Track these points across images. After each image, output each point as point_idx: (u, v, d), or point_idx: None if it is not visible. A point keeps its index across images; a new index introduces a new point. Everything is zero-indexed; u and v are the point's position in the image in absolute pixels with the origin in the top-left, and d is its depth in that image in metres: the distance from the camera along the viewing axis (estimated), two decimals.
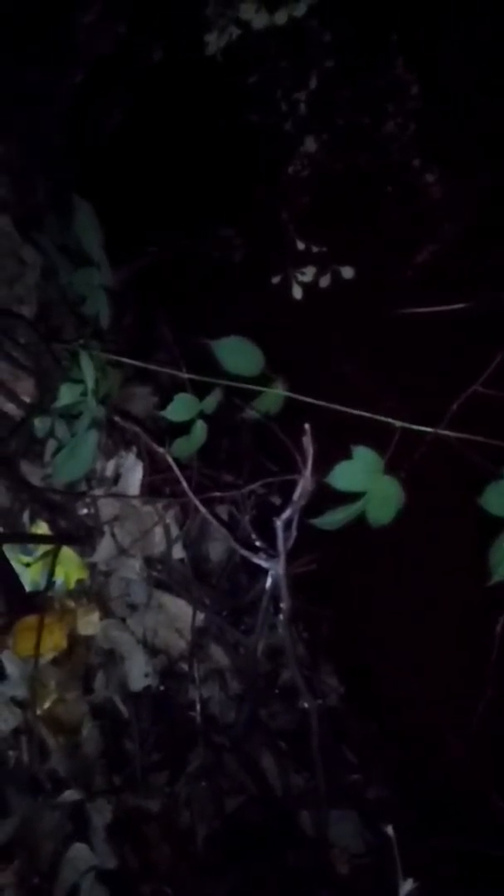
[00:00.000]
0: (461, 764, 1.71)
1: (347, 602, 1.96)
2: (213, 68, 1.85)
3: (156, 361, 1.84)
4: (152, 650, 1.62)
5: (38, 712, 1.46)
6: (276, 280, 1.92)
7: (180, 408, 1.44)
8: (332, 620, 1.92)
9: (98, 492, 1.64)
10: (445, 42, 2.32)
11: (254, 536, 1.61)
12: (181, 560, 1.67)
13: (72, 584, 1.62)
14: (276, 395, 1.43)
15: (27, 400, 1.60)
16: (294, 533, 1.41)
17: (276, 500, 1.78)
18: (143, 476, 1.64)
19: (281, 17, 1.59)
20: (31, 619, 1.50)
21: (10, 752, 1.43)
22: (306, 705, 1.42)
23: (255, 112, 2.19)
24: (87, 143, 2.20)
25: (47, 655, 1.52)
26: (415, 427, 1.33)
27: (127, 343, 2.05)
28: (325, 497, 1.32)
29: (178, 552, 1.67)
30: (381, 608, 1.93)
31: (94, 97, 2.14)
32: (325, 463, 1.33)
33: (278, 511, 1.38)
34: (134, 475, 1.63)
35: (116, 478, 1.66)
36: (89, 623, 1.57)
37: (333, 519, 1.34)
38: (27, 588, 1.61)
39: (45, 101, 2.03)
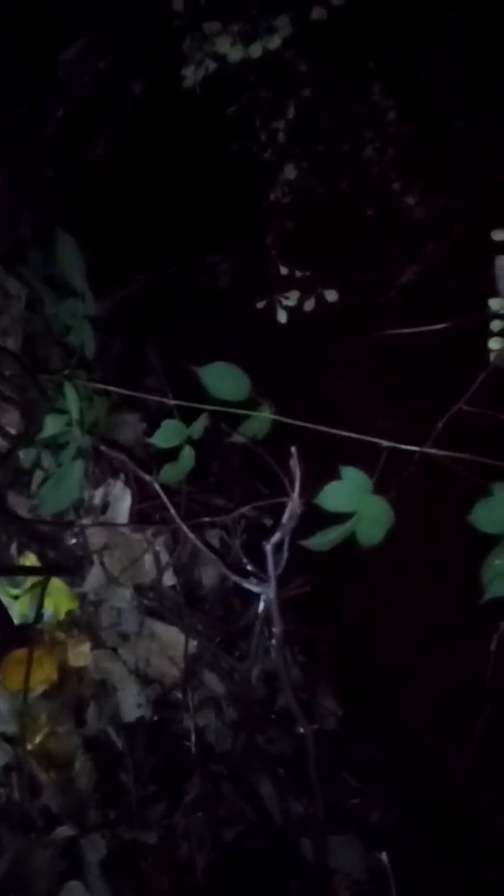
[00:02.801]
0: (463, 785, 1.69)
1: (343, 623, 1.95)
2: (193, 100, 1.88)
3: (144, 387, 1.85)
4: (145, 680, 1.60)
5: (29, 747, 1.44)
6: (260, 305, 1.94)
7: (168, 434, 1.44)
8: (329, 642, 1.91)
9: (86, 521, 1.63)
10: (423, 69, 2.38)
11: (245, 561, 1.61)
12: (172, 587, 1.67)
13: (61, 616, 1.60)
14: (263, 418, 1.44)
15: (13, 431, 1.61)
16: (285, 555, 1.41)
17: (268, 522, 1.78)
18: (132, 504, 1.64)
19: (256, 51, 1.63)
20: (21, 653, 1.49)
21: (1, 790, 1.40)
22: (303, 731, 1.41)
23: (236, 141, 2.24)
24: (72, 174, 2.23)
25: (38, 689, 1.50)
26: (402, 446, 1.34)
27: (115, 370, 2.07)
28: (319, 518, 1.32)
29: (168, 579, 1.67)
30: (377, 628, 1.92)
31: (78, 130, 2.17)
32: (315, 484, 1.33)
33: (270, 533, 1.38)
34: (122, 503, 1.63)
35: (105, 506, 1.66)
36: (80, 654, 1.55)
37: (324, 540, 1.34)
38: (16, 621, 1.60)
39: (29, 135, 2.07)
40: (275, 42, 1.64)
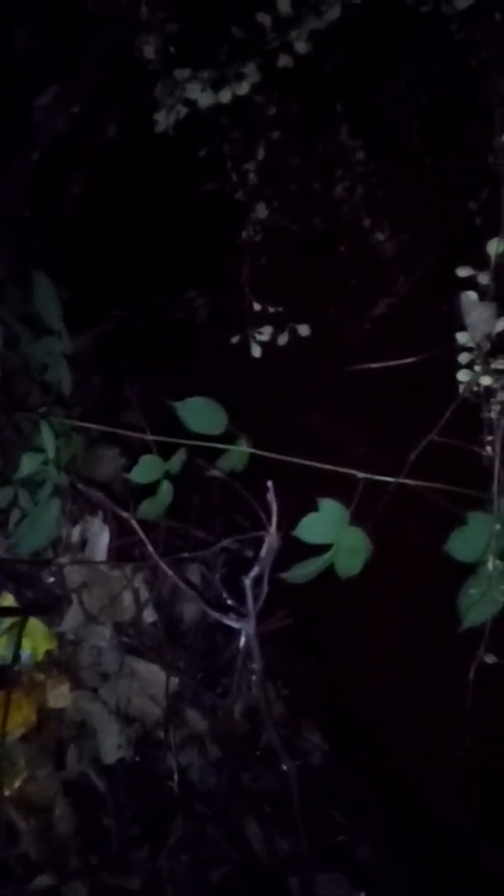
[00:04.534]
0: (449, 817, 1.68)
1: (325, 655, 1.95)
2: (166, 142, 1.93)
3: (123, 422, 1.85)
4: (126, 719, 1.58)
5: (7, 793, 1.40)
6: (235, 340, 1.97)
7: (146, 469, 1.45)
8: (312, 675, 1.90)
9: (64, 559, 1.62)
10: (386, 110, 2.46)
11: (225, 595, 1.60)
12: (153, 624, 1.66)
13: (40, 656, 1.58)
14: (240, 452, 1.45)
15: None
16: (265, 588, 1.41)
17: (249, 553, 1.78)
18: (110, 540, 1.63)
19: (225, 96, 1.68)
20: None
21: None
22: (285, 768, 1.39)
23: (209, 181, 2.29)
24: (49, 214, 2.26)
25: (16, 732, 1.47)
26: (377, 477, 1.36)
27: (94, 404, 2.07)
28: (300, 550, 1.33)
29: (149, 616, 1.66)
30: (359, 659, 1.92)
31: (53, 172, 2.21)
32: (294, 515, 1.34)
33: (251, 565, 1.38)
34: (100, 540, 1.62)
35: (83, 543, 1.65)
36: (59, 695, 1.53)
37: (303, 572, 1.35)
38: None
39: (5, 177, 2.09)
40: (243, 88, 1.68)
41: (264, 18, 1.66)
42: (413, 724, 1.80)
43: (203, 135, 2.13)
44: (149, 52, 1.79)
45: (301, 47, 1.68)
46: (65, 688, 1.54)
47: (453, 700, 1.43)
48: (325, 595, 1.41)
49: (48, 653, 1.60)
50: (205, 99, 1.69)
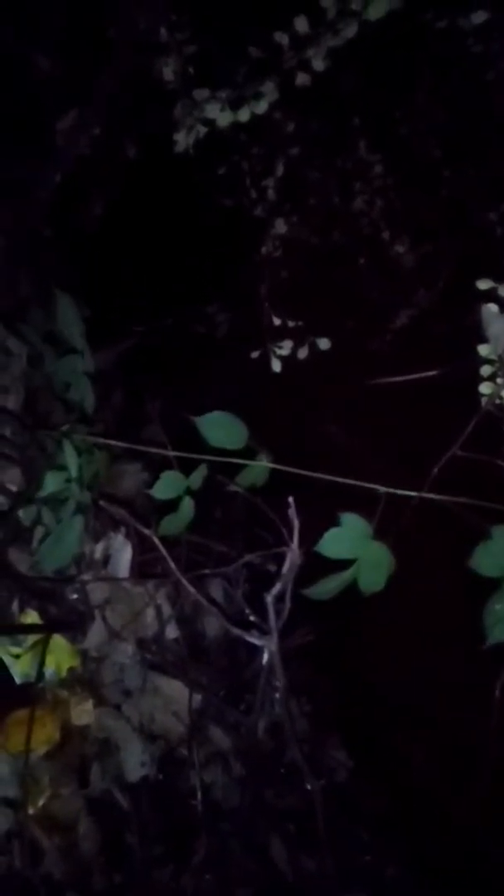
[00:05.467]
0: (474, 834, 1.65)
1: (349, 671, 1.93)
2: (186, 161, 1.96)
3: (145, 437, 1.86)
4: (150, 736, 1.57)
5: (31, 811, 1.40)
6: (255, 355, 1.98)
7: (167, 485, 1.45)
8: (336, 691, 1.88)
9: (87, 576, 1.63)
10: (404, 124, 2.47)
11: (248, 611, 1.60)
12: (175, 640, 1.65)
13: (63, 673, 1.58)
14: (261, 467, 1.45)
15: (13, 489, 1.62)
16: (288, 605, 1.41)
17: (272, 568, 1.77)
18: (133, 556, 1.64)
19: (244, 115, 1.70)
20: (22, 713, 1.46)
21: (2, 858, 1.36)
22: (309, 787, 1.38)
23: (228, 198, 2.31)
24: (71, 234, 2.30)
25: (39, 750, 1.47)
26: (399, 492, 1.35)
27: (116, 421, 2.09)
28: (323, 565, 1.32)
29: (171, 632, 1.66)
30: (383, 676, 1.90)
31: (75, 192, 2.25)
32: (315, 530, 1.34)
33: (273, 580, 1.37)
34: (123, 556, 1.62)
35: (106, 560, 1.66)
36: (83, 712, 1.53)
37: (325, 588, 1.34)
38: (17, 680, 1.58)
39: (28, 198, 2.13)
40: (262, 106, 1.71)
41: (282, 38, 1.68)
42: (438, 741, 1.78)
43: (222, 153, 2.16)
44: (168, 73, 1.82)
45: (318, 65, 1.70)
46: (88, 705, 1.54)
47: (478, 716, 1.41)
48: (349, 611, 1.40)
49: (72, 670, 1.60)
50: (224, 118, 1.71)
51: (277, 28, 1.68)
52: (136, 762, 1.52)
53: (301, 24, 1.65)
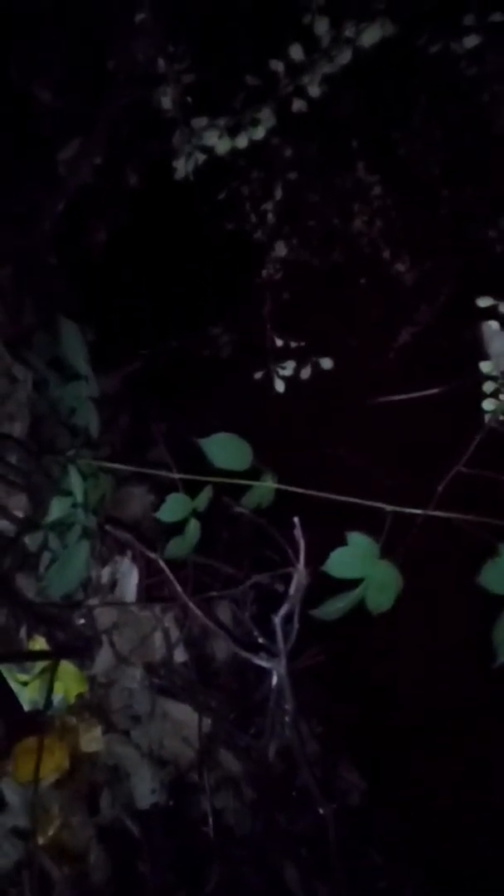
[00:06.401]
0: (493, 858, 1.62)
1: (360, 692, 1.91)
2: (186, 187, 1.99)
3: (151, 459, 1.87)
4: (159, 762, 1.56)
5: (41, 841, 1.38)
6: (258, 376, 1.99)
7: (173, 508, 1.45)
8: (347, 712, 1.86)
9: (94, 601, 1.62)
10: (404, 144, 2.50)
11: (256, 633, 1.59)
12: (184, 663, 1.64)
13: (72, 699, 1.57)
14: (266, 488, 1.45)
15: (20, 515, 1.62)
16: (296, 626, 1.40)
17: (280, 588, 1.76)
18: (140, 580, 1.63)
19: (242, 141, 1.73)
20: (31, 741, 1.44)
21: (11, 889, 1.34)
22: (322, 811, 1.36)
23: (229, 222, 2.34)
24: (74, 261, 2.33)
25: (49, 778, 1.46)
26: (406, 510, 1.35)
27: (122, 443, 2.10)
28: (331, 584, 1.31)
29: (180, 655, 1.64)
30: (394, 696, 1.88)
31: (78, 220, 2.29)
32: (322, 550, 1.33)
33: (282, 600, 1.37)
34: (130, 580, 1.62)
35: (113, 584, 1.65)
36: (92, 739, 1.51)
37: (333, 608, 1.33)
38: (26, 708, 1.57)
39: (32, 227, 2.17)
40: (259, 133, 1.74)
41: (277, 65, 1.72)
42: (452, 761, 1.75)
43: (222, 178, 2.19)
44: (166, 102, 1.86)
45: (314, 91, 1.73)
46: (97, 731, 1.53)
47: (492, 735, 1.40)
48: (358, 631, 1.39)
49: (80, 696, 1.59)
50: (222, 145, 1.74)
51: (273, 56, 1.72)
52: (146, 789, 1.51)
53: (296, 52, 1.68)
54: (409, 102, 2.31)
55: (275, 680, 1.45)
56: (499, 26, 1.43)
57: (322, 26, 1.66)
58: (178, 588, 1.38)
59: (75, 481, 1.42)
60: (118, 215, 2.39)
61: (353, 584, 1.29)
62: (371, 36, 1.64)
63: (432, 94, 2.26)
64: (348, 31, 1.65)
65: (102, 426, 1.65)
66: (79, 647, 1.61)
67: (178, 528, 1.46)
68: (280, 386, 1.95)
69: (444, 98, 2.26)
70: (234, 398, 2.26)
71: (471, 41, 1.48)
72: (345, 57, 1.68)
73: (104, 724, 1.55)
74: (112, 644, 1.60)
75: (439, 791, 1.73)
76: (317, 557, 1.31)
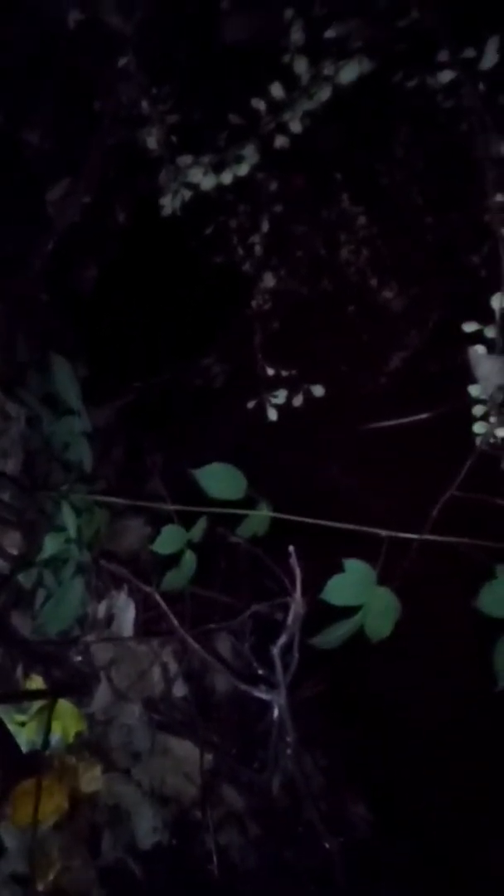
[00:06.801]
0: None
1: (363, 721, 1.89)
2: (174, 223, 2.02)
3: (146, 492, 1.87)
4: (161, 800, 1.53)
5: (42, 887, 1.35)
6: (251, 405, 2.01)
7: (168, 540, 1.46)
8: (351, 743, 1.84)
9: (91, 637, 1.61)
10: (387, 175, 2.56)
11: (255, 665, 1.57)
12: (183, 698, 1.62)
13: (70, 739, 1.55)
14: (261, 516, 1.45)
15: (14, 552, 1.62)
16: (296, 656, 1.39)
17: (279, 617, 1.75)
18: (137, 614, 1.62)
19: (227, 178, 1.77)
20: (29, 783, 1.42)
21: None
22: (328, 846, 1.34)
23: (217, 256, 2.37)
24: (66, 297, 2.36)
25: (48, 820, 1.43)
26: (401, 535, 1.35)
27: (117, 476, 2.10)
28: (330, 612, 1.30)
29: (179, 689, 1.63)
30: (397, 724, 1.86)
31: (68, 258, 2.32)
32: (320, 577, 1.33)
33: (281, 629, 1.36)
34: (127, 615, 1.61)
35: (109, 619, 1.64)
36: (92, 779, 1.48)
37: (332, 637, 1.32)
38: (24, 749, 1.54)
39: (22, 267, 2.20)
40: (243, 169, 1.78)
41: (258, 104, 1.76)
42: (459, 789, 1.72)
43: (208, 214, 2.23)
44: (152, 142, 1.90)
45: (296, 127, 1.78)
46: (97, 770, 1.50)
47: (499, 762, 1.38)
48: (358, 658, 1.38)
49: (78, 734, 1.57)
50: (207, 182, 1.78)
51: (254, 95, 1.76)
52: (148, 828, 1.48)
53: (276, 90, 1.73)
54: (390, 134, 2.36)
55: (276, 712, 1.43)
56: (471, 62, 1.48)
57: (301, 65, 1.71)
58: (175, 622, 1.37)
59: (68, 517, 1.42)
60: (108, 252, 2.42)
61: (351, 611, 1.29)
62: (349, 73, 1.69)
63: (412, 125, 2.31)
64: (327, 70, 1.69)
65: (96, 460, 1.65)
66: (76, 685, 1.59)
67: (174, 559, 1.46)
68: (273, 414, 1.96)
69: (423, 128, 2.32)
70: (228, 428, 2.27)
71: (444, 76, 1.52)
72: (324, 94, 1.72)
73: (104, 762, 1.53)
74: (110, 680, 1.59)
75: (447, 821, 1.70)
76: (314, 585, 1.31)
